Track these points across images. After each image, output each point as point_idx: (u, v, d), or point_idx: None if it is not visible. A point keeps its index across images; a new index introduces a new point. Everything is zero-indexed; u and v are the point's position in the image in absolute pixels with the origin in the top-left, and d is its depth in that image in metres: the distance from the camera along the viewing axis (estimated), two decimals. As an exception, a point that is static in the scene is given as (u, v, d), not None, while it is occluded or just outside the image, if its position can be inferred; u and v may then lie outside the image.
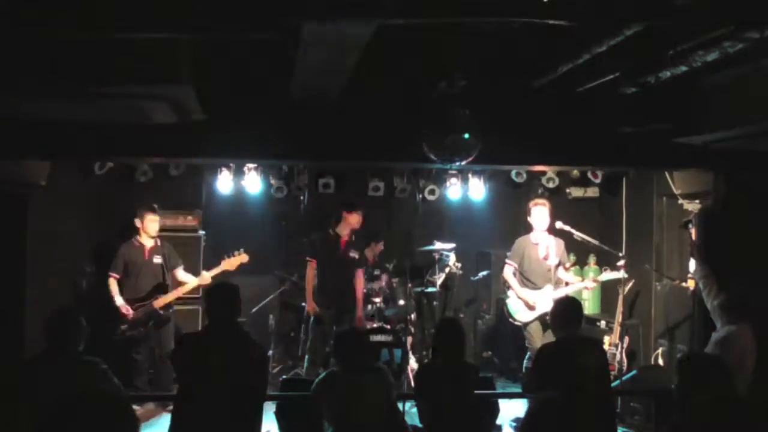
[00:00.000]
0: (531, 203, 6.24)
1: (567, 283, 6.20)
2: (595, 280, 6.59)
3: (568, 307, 4.37)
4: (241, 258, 6.30)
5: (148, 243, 6.27)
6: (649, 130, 5.17)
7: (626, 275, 6.23)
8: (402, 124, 4.97)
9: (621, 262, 6.22)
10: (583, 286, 6.28)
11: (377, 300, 6.90)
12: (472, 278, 7.82)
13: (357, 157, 5.55)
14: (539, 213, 6.11)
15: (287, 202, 7.77)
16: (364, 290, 6.58)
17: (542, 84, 4.58)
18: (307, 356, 6.38)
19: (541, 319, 5.99)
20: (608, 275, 6.35)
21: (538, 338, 5.96)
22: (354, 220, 6.47)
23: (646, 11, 3.23)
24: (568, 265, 6.59)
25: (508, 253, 6.31)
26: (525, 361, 6.09)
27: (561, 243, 6.22)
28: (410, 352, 6.81)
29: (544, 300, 5.99)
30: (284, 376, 6.35)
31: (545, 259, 6.11)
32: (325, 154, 5.43)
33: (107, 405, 2.17)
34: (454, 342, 4.19)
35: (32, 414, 3.49)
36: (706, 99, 4.71)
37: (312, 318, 6.35)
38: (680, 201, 6.56)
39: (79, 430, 2.02)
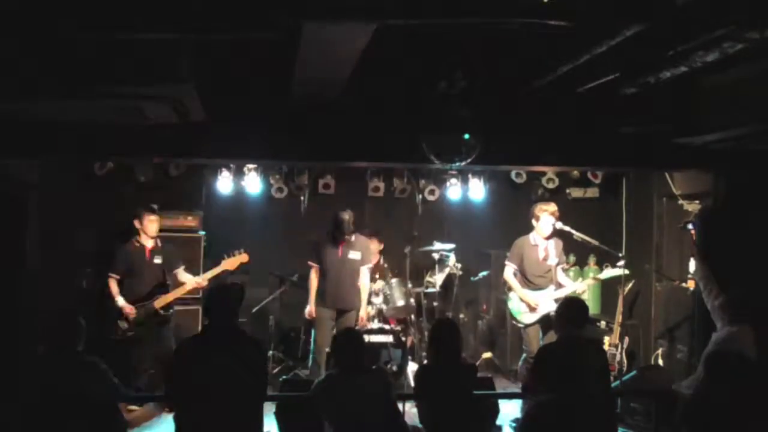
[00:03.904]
0: (538, 209, 6.13)
1: (563, 285, 6.17)
2: (596, 278, 6.60)
3: (573, 307, 4.38)
4: (241, 258, 6.30)
5: (149, 243, 6.27)
6: (649, 130, 5.17)
7: (627, 271, 6.22)
8: (402, 124, 4.97)
9: (621, 263, 6.22)
10: (580, 288, 6.26)
11: (377, 300, 6.89)
12: (472, 278, 7.81)
13: (357, 157, 5.55)
14: (547, 222, 6.07)
15: (287, 202, 7.77)
16: None
17: (542, 84, 4.58)
18: (311, 357, 6.37)
19: (542, 320, 5.98)
20: (610, 272, 6.35)
21: (535, 341, 5.95)
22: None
23: (646, 11, 3.23)
24: (566, 265, 6.58)
25: (507, 254, 6.31)
26: (521, 363, 6.08)
27: (560, 243, 6.21)
28: (410, 352, 6.81)
29: (547, 301, 5.98)
30: (284, 376, 6.35)
31: (545, 260, 6.11)
32: (325, 154, 5.43)
33: (94, 408, 2.18)
34: (450, 342, 4.19)
35: (32, 414, 3.49)
36: (706, 99, 4.71)
37: (315, 319, 6.35)
38: (680, 201, 6.56)
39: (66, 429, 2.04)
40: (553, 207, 6.17)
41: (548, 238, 6.13)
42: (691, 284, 6.22)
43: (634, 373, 5.95)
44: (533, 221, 6.16)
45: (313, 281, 6.38)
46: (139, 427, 5.63)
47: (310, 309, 6.38)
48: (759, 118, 4.33)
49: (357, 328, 6.09)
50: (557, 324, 4.42)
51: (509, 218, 7.73)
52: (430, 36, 3.85)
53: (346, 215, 6.23)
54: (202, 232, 7.25)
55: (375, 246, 7.23)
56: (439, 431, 4.09)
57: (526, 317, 6.07)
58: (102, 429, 3.62)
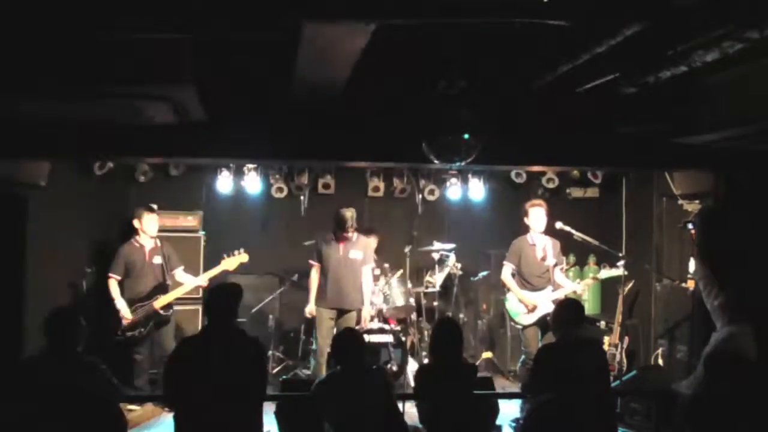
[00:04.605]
0: (527, 204, 6.21)
1: (560, 285, 6.16)
2: (594, 278, 6.60)
3: (568, 307, 4.38)
4: (240, 258, 6.30)
5: (148, 243, 6.27)
6: (649, 130, 5.17)
7: (626, 272, 6.23)
8: (402, 124, 4.97)
9: (621, 262, 6.23)
10: (578, 288, 6.26)
11: (377, 300, 6.89)
12: (472, 278, 7.82)
13: (357, 157, 5.55)
14: (537, 214, 6.10)
15: (287, 202, 7.78)
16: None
17: (542, 84, 4.58)
18: (311, 357, 6.36)
19: (540, 321, 5.98)
20: (608, 272, 6.36)
21: (534, 342, 5.95)
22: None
23: (646, 11, 3.23)
24: (564, 266, 6.58)
25: (506, 254, 6.31)
26: (519, 364, 6.08)
27: (557, 243, 6.22)
28: (410, 352, 6.81)
29: (545, 301, 5.98)
30: (284, 376, 6.36)
31: (543, 260, 6.11)
32: (325, 154, 5.43)
33: (94, 408, 2.17)
34: (452, 342, 4.19)
35: (32, 415, 3.49)
36: (706, 99, 4.71)
37: (316, 319, 6.34)
38: (680, 201, 6.56)
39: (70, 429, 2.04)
40: (539, 201, 6.24)
41: (544, 233, 6.13)
42: (691, 284, 6.22)
43: (634, 373, 5.95)
44: (525, 220, 6.17)
45: (314, 280, 6.38)
46: (139, 427, 5.64)
47: (310, 308, 6.37)
48: (759, 118, 4.33)
49: (357, 328, 6.09)
50: (554, 326, 4.42)
51: (509, 218, 7.73)
52: (430, 36, 3.85)
53: (348, 212, 6.23)
54: (202, 232, 7.26)
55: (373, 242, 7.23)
56: (439, 431, 4.09)
57: (524, 318, 6.06)
58: (102, 429, 3.62)
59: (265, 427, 3.93)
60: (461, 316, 7.89)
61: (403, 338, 6.69)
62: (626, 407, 5.63)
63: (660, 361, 6.67)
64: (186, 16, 3.29)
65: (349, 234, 6.27)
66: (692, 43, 3.61)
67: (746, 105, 4.41)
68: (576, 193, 8.02)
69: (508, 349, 7.56)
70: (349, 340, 4.09)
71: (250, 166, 7.18)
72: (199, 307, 6.99)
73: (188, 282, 6.31)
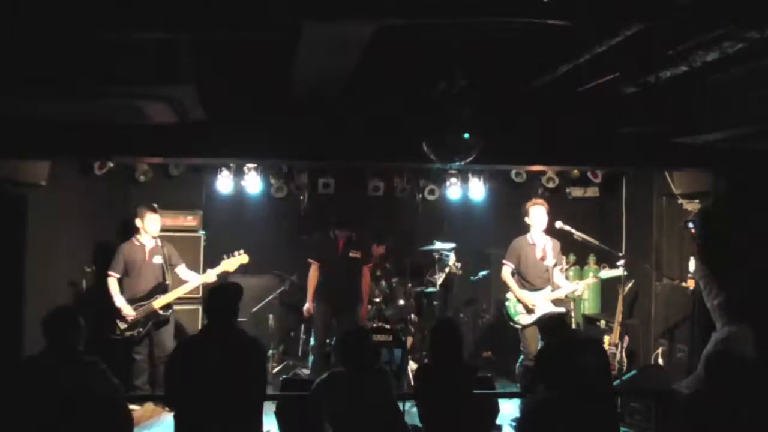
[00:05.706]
0: (528, 204, 6.22)
1: (559, 286, 6.16)
2: (595, 277, 6.60)
3: (550, 321, 4.42)
4: (241, 258, 6.30)
5: (149, 243, 6.27)
6: (649, 130, 5.17)
7: (626, 272, 6.23)
8: (402, 124, 4.97)
9: (621, 262, 6.23)
10: (578, 288, 6.27)
11: (377, 300, 6.90)
12: (472, 278, 7.82)
13: (357, 157, 5.55)
14: (538, 213, 6.11)
15: (287, 202, 7.78)
16: None
17: (542, 84, 4.58)
18: (311, 356, 6.37)
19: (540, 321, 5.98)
20: (608, 272, 6.36)
21: (533, 341, 5.95)
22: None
23: (646, 11, 3.23)
24: (564, 266, 6.58)
25: (505, 254, 6.31)
26: (518, 364, 6.08)
27: (558, 244, 6.21)
28: (410, 352, 6.81)
29: (544, 301, 5.98)
30: (284, 376, 6.35)
31: (542, 259, 6.11)
32: (325, 154, 5.43)
33: (102, 405, 2.17)
34: (451, 342, 4.19)
35: (32, 414, 3.49)
36: (706, 99, 4.71)
37: (314, 316, 6.35)
38: (680, 201, 6.56)
39: (74, 429, 2.05)
40: (540, 200, 6.25)
41: (546, 231, 6.13)
42: (690, 284, 6.22)
43: (634, 372, 5.95)
44: (525, 219, 6.18)
45: (312, 279, 6.38)
46: (139, 427, 5.64)
47: (308, 306, 6.38)
48: (759, 118, 4.33)
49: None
50: (541, 334, 4.44)
51: (509, 218, 7.72)
52: (430, 36, 3.85)
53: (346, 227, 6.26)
54: (202, 232, 7.26)
55: (375, 247, 7.23)
56: (439, 431, 4.09)
57: (524, 318, 6.06)
58: (102, 429, 3.62)
59: (265, 427, 3.93)
60: (461, 316, 7.89)
61: (403, 338, 6.69)
62: (626, 407, 5.63)
63: (660, 361, 6.67)
64: (185, 16, 3.28)
65: (350, 233, 6.28)
66: (692, 43, 3.61)
67: (746, 105, 4.41)
68: (576, 192, 8.03)
69: (508, 349, 7.55)
70: (358, 340, 4.08)
71: (250, 166, 7.18)
72: (199, 307, 6.99)
73: (194, 279, 6.31)
